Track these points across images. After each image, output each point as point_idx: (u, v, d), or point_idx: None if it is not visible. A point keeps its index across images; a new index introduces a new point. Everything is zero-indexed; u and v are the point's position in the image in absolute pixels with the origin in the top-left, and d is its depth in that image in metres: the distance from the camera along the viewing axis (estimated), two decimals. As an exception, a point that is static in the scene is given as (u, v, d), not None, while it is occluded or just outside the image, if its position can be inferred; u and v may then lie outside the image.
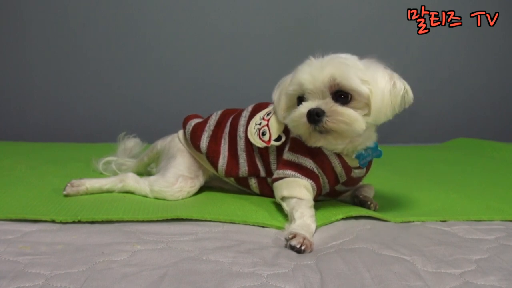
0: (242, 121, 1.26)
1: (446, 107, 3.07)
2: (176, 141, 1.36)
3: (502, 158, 2.19)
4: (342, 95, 1.04)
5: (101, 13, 2.79)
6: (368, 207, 1.17)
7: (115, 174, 1.43)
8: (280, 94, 1.15)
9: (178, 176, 1.26)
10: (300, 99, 1.08)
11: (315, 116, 1.01)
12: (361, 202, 1.20)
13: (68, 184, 1.21)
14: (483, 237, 1.01)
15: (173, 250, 0.86)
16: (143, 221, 1.02)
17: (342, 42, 2.95)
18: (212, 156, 1.26)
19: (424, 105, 3.02)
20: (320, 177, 1.14)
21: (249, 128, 1.22)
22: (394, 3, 2.93)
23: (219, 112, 1.34)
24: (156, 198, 1.24)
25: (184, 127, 1.34)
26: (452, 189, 1.49)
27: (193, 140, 1.29)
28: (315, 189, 1.12)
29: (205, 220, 1.04)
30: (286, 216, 1.08)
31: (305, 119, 1.03)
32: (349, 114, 1.02)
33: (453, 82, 3.12)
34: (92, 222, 1.00)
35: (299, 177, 1.11)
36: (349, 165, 1.14)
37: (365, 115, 1.04)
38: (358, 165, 1.14)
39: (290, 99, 1.11)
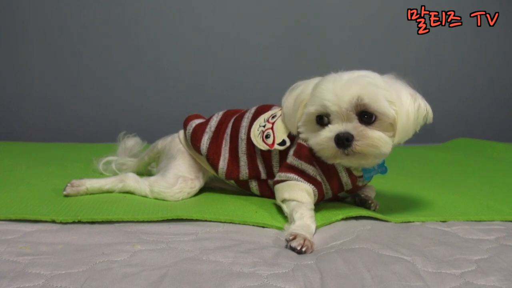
0: (245, 122, 1.25)
1: (446, 107, 3.07)
2: (176, 142, 1.35)
3: (502, 158, 2.19)
4: (366, 115, 1.01)
5: (101, 13, 2.79)
6: (369, 207, 1.17)
7: (115, 174, 1.43)
8: (295, 105, 1.11)
9: (178, 177, 1.26)
10: (320, 117, 1.05)
11: (344, 141, 0.99)
12: (362, 201, 1.20)
13: (68, 184, 1.21)
14: (483, 237, 1.01)
15: (173, 250, 0.86)
16: (143, 221, 1.02)
17: (342, 42, 2.96)
18: (212, 158, 1.25)
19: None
20: (323, 184, 1.13)
21: (252, 130, 1.21)
22: (394, 3, 2.93)
23: (221, 113, 1.33)
24: (156, 198, 1.24)
25: (184, 128, 1.33)
26: (452, 189, 1.49)
27: (193, 142, 1.28)
28: (317, 194, 1.11)
29: (205, 220, 1.04)
30: (286, 217, 1.08)
31: (333, 143, 1.00)
32: (378, 138, 1.00)
33: (453, 82, 3.13)
34: (92, 222, 1.00)
35: (301, 181, 1.10)
36: (355, 175, 1.13)
37: (391, 136, 1.03)
38: (362, 175, 1.14)
39: (309, 116, 1.07)
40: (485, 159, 2.18)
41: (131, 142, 1.55)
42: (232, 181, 1.29)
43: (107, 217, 1.02)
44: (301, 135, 1.11)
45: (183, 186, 1.25)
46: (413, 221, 1.10)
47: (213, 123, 1.30)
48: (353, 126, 1.00)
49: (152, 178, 1.28)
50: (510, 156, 2.23)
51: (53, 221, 0.99)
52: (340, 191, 1.17)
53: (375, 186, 1.29)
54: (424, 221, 1.10)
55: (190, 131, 1.30)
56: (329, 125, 1.02)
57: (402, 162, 2.06)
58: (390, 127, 1.03)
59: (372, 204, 1.17)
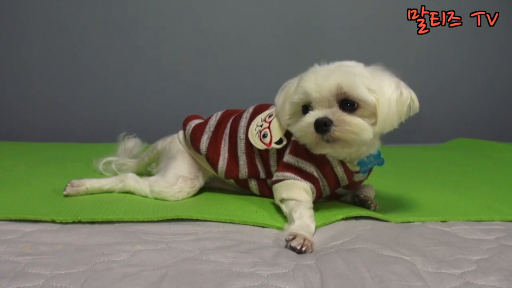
0: (243, 122, 1.25)
1: (446, 107, 3.07)
2: (176, 142, 1.35)
3: (502, 158, 2.19)
4: (348, 103, 1.02)
5: (101, 13, 2.79)
6: (368, 207, 1.17)
7: (115, 174, 1.43)
8: (285, 99, 1.14)
9: (178, 177, 1.26)
10: (306, 107, 1.07)
11: (322, 126, 1.00)
12: (361, 202, 1.20)
13: (68, 184, 1.21)
14: (483, 237, 1.01)
15: (173, 250, 0.86)
16: (143, 221, 1.02)
17: (342, 42, 2.96)
18: (212, 158, 1.26)
19: (424, 105, 3.03)
20: (320, 181, 1.14)
21: (250, 129, 1.22)
22: (394, 3, 2.93)
23: (220, 113, 1.34)
24: (156, 198, 1.24)
25: (184, 128, 1.34)
26: (452, 189, 1.49)
27: (193, 142, 1.29)
28: (315, 192, 1.12)
29: (205, 220, 1.04)
30: (286, 217, 1.08)
31: (312, 129, 1.02)
32: (357, 124, 1.01)
33: (453, 82, 3.12)
34: (92, 222, 1.00)
35: (298, 180, 1.11)
36: (351, 170, 1.14)
37: (372, 124, 1.03)
38: (359, 170, 1.14)
39: (295, 106, 1.09)
40: (485, 159, 2.18)
41: (131, 143, 1.56)
42: (232, 181, 1.29)
43: (107, 217, 1.02)
44: (289, 128, 1.13)
45: (183, 186, 1.25)
46: (413, 221, 1.10)
47: (212, 123, 1.31)
48: (332, 112, 1.02)
49: (152, 178, 1.28)
50: (510, 156, 2.23)
51: (53, 221, 0.99)
52: (337, 187, 1.17)
53: (375, 186, 1.30)
54: (424, 221, 1.10)
55: (190, 131, 1.30)
56: (310, 112, 1.04)
57: (402, 162, 2.06)
58: (372, 115, 1.04)
59: (372, 204, 1.17)
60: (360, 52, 2.94)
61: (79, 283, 0.72)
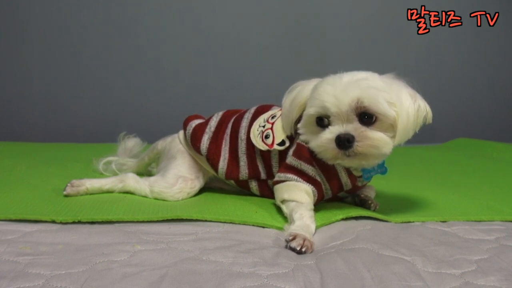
0: (244, 123, 1.25)
1: (446, 107, 3.07)
2: (176, 142, 1.35)
3: (502, 158, 2.19)
4: (366, 116, 1.01)
5: (101, 13, 2.79)
6: (369, 207, 1.17)
7: (115, 174, 1.43)
8: (292, 104, 1.12)
9: (178, 177, 1.26)
10: (320, 118, 1.05)
11: (345, 142, 0.99)
12: (362, 202, 1.20)
13: (68, 184, 1.21)
14: (483, 237, 1.01)
15: (173, 250, 0.86)
16: (143, 221, 1.02)
17: (342, 42, 2.96)
18: (212, 158, 1.25)
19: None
20: (323, 184, 1.13)
21: (252, 130, 1.21)
22: (394, 3, 2.93)
23: (221, 113, 1.33)
24: (156, 198, 1.24)
25: (184, 128, 1.33)
26: (452, 190, 1.49)
27: (193, 142, 1.28)
28: (316, 194, 1.12)
29: (205, 220, 1.04)
30: (286, 217, 1.08)
31: (334, 145, 1.00)
32: (379, 139, 1.00)
33: (453, 82, 3.13)
34: (92, 223, 1.00)
35: (300, 182, 1.10)
36: (355, 176, 1.13)
37: (392, 137, 1.03)
38: (361, 175, 1.14)
39: (309, 117, 1.07)
40: (485, 159, 2.18)
41: (131, 143, 1.55)
42: (232, 181, 1.29)
43: (107, 217, 1.02)
44: (301, 137, 1.11)
45: (183, 186, 1.25)
46: (413, 221, 1.10)
47: (213, 123, 1.30)
48: (354, 127, 1.00)
49: (152, 178, 1.28)
50: (510, 156, 2.23)
51: (53, 221, 0.99)
52: (339, 191, 1.17)
53: (375, 186, 1.30)
54: (424, 221, 1.10)
55: (190, 131, 1.30)
56: (330, 127, 1.03)
57: (402, 162, 2.06)
58: (391, 127, 1.03)
59: (372, 204, 1.17)
60: (360, 52, 2.94)
61: (79, 283, 0.72)
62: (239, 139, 1.24)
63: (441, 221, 1.11)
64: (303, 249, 0.89)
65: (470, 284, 0.77)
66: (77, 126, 2.80)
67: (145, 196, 1.25)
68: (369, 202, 1.18)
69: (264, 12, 2.91)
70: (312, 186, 1.10)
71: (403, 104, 1.02)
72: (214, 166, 1.26)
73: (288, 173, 1.12)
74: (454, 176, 1.77)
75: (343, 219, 1.09)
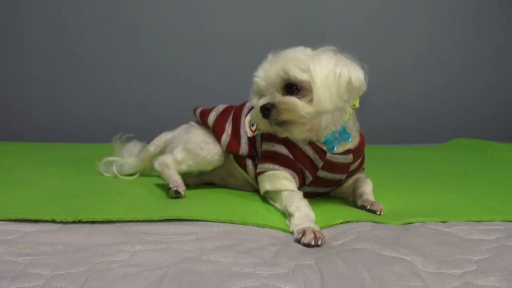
0: (245, 110, 1.33)
1: (446, 107, 3.07)
2: (186, 125, 1.44)
3: (502, 158, 2.19)
4: (293, 87, 1.08)
5: (101, 13, 2.79)
6: (374, 212, 1.15)
7: (115, 175, 1.44)
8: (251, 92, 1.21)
9: (200, 142, 1.32)
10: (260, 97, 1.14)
11: (264, 111, 1.08)
12: (363, 208, 1.18)
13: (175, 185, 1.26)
14: (483, 237, 1.01)
15: (173, 250, 0.86)
16: (143, 221, 1.02)
17: (342, 42, 2.95)
18: (217, 130, 1.33)
19: (424, 105, 3.03)
20: (298, 164, 1.17)
21: (246, 118, 1.30)
22: (394, 3, 2.94)
23: (224, 105, 1.41)
24: (188, 165, 1.32)
25: (194, 113, 1.42)
26: (452, 190, 1.48)
27: (202, 118, 1.38)
28: (296, 176, 1.16)
29: (206, 220, 1.04)
30: (285, 216, 1.08)
31: (260, 115, 1.10)
32: (289, 102, 1.07)
33: (453, 82, 3.13)
34: (93, 222, 1.00)
35: (277, 169, 1.16)
36: (322, 149, 1.16)
37: (309, 101, 1.07)
38: (334, 150, 1.15)
39: (255, 97, 1.16)
40: (485, 159, 2.18)
41: (131, 143, 1.56)
42: (232, 157, 1.34)
43: (107, 217, 1.02)
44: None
45: (210, 149, 1.31)
46: (413, 222, 1.10)
47: (220, 108, 1.39)
48: (274, 96, 1.09)
49: (178, 156, 1.33)
50: (510, 156, 2.23)
51: (53, 221, 0.99)
52: (315, 169, 1.18)
53: (376, 186, 1.29)
54: (424, 222, 1.10)
55: (199, 111, 1.40)
56: (259, 100, 1.12)
57: (402, 162, 2.06)
58: (310, 94, 1.08)
59: (378, 212, 1.15)
60: (360, 52, 2.93)
61: (79, 283, 0.72)
62: (241, 123, 1.31)
63: (441, 222, 1.11)
64: (319, 242, 0.92)
65: (470, 284, 0.77)
66: (77, 126, 2.80)
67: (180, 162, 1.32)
68: (378, 212, 1.14)
69: (264, 12, 2.91)
70: (290, 170, 1.16)
71: (317, 70, 1.07)
72: (218, 138, 1.32)
73: (265, 163, 1.19)
74: (454, 176, 1.77)
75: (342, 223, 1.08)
